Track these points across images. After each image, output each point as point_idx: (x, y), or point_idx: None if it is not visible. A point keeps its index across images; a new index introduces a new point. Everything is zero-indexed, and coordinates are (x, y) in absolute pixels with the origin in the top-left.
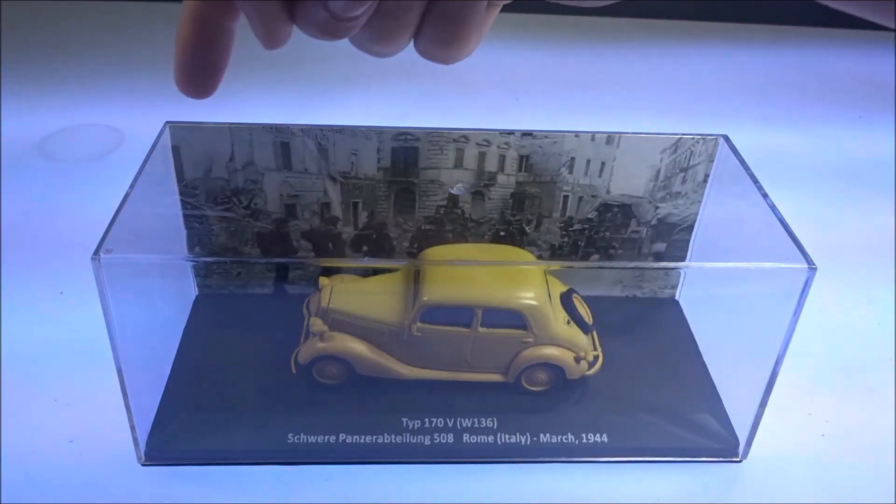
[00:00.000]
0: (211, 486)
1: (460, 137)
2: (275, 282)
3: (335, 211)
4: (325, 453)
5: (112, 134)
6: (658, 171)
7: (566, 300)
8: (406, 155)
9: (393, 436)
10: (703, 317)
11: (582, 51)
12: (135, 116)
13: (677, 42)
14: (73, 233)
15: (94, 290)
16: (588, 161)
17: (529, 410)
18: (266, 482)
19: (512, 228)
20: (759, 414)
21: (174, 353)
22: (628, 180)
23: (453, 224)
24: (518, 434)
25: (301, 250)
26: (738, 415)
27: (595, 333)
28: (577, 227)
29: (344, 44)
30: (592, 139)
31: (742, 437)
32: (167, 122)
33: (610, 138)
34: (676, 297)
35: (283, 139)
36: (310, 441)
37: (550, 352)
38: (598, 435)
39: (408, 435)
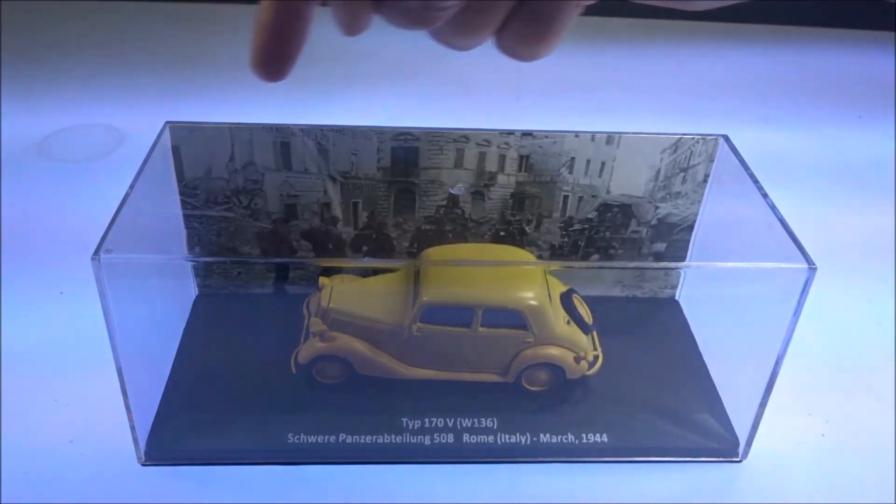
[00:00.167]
0: (211, 486)
1: (460, 137)
2: (275, 282)
3: (335, 211)
4: (325, 453)
5: (112, 134)
6: (658, 171)
7: (566, 300)
8: (406, 155)
9: (393, 436)
10: (703, 317)
11: (582, 51)
12: (135, 116)
13: (677, 42)
14: (73, 233)
15: (94, 290)
16: (588, 161)
17: (529, 410)
18: (266, 482)
19: (512, 228)
20: (759, 414)
21: (174, 353)
22: (628, 180)
23: (453, 224)
24: (518, 434)
25: (301, 250)
26: (738, 415)
27: (595, 333)
28: (577, 227)
29: (343, 43)
30: (592, 139)
31: (742, 437)
32: (167, 122)
33: (610, 138)
34: (676, 297)
35: (283, 139)
36: (310, 441)
37: (550, 352)
38: (598, 435)
39: (408, 435)
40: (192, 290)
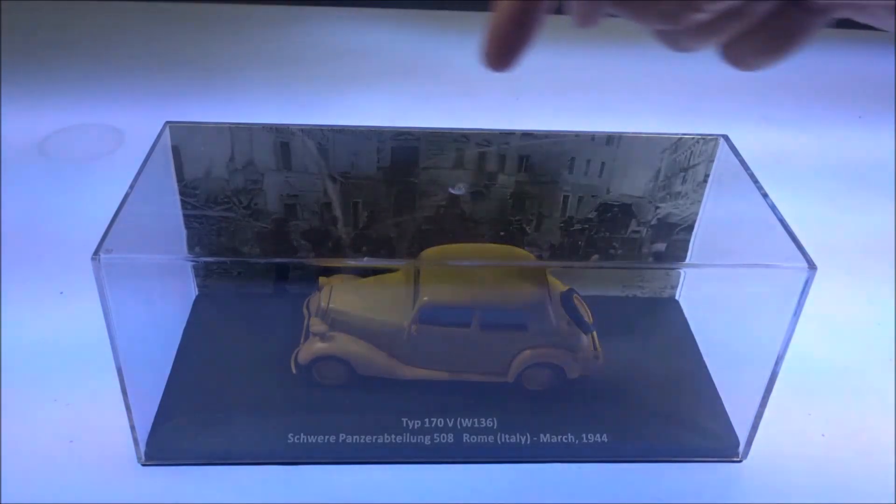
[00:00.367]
0: (211, 486)
1: (460, 137)
2: (275, 282)
3: (335, 211)
4: (325, 453)
5: (112, 134)
6: (658, 171)
7: (566, 300)
8: (406, 155)
9: (393, 436)
10: (703, 317)
11: (582, 51)
12: (135, 116)
13: None
14: (73, 233)
15: (94, 290)
16: (588, 161)
17: (529, 410)
18: (266, 482)
19: (512, 228)
20: (759, 414)
21: (174, 353)
22: (628, 180)
23: (453, 224)
24: (518, 434)
25: (301, 250)
26: (738, 415)
27: (595, 333)
28: (577, 227)
29: (342, 43)
30: (592, 139)
31: (742, 437)
32: (167, 122)
33: (610, 138)
34: (676, 297)
35: (283, 139)
36: (310, 441)
37: (550, 352)
38: (597, 435)
39: (408, 435)
40: (192, 290)
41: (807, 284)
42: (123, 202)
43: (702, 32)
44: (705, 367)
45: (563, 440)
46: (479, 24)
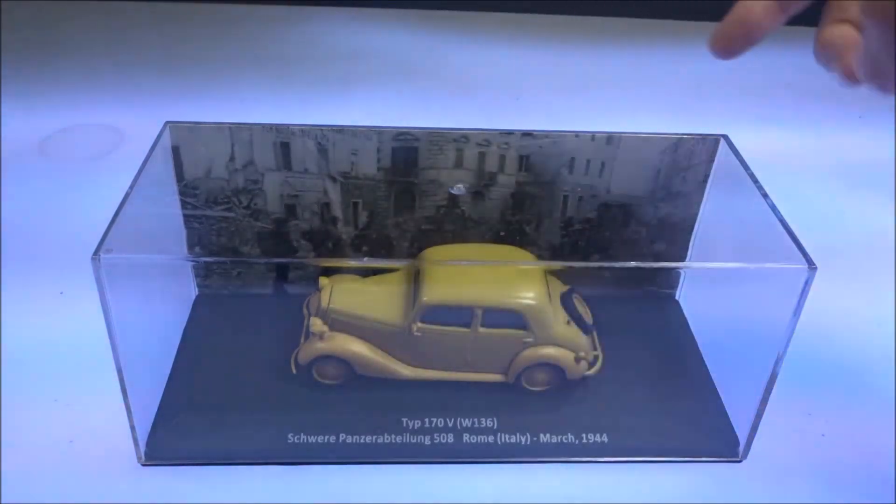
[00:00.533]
0: (211, 486)
1: (460, 137)
2: (275, 282)
3: (335, 211)
4: (325, 453)
5: (112, 134)
6: (658, 171)
7: (566, 300)
8: (406, 155)
9: (393, 436)
10: (703, 317)
11: (582, 51)
12: (135, 116)
13: (677, 42)
14: (73, 233)
15: (94, 290)
16: (588, 161)
17: (529, 410)
18: (266, 482)
19: (512, 228)
20: (759, 414)
21: (174, 353)
22: (628, 180)
23: (453, 224)
24: (518, 434)
25: (301, 250)
26: (738, 415)
27: (595, 333)
28: (577, 227)
29: (342, 43)
30: (592, 139)
31: (742, 437)
32: (167, 123)
33: (610, 138)
34: (676, 297)
35: (283, 139)
36: (310, 441)
37: (550, 352)
38: (598, 435)
39: (408, 435)
40: (192, 290)
41: (807, 284)
42: (123, 202)
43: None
44: (705, 367)
45: (563, 440)
46: (478, 25)
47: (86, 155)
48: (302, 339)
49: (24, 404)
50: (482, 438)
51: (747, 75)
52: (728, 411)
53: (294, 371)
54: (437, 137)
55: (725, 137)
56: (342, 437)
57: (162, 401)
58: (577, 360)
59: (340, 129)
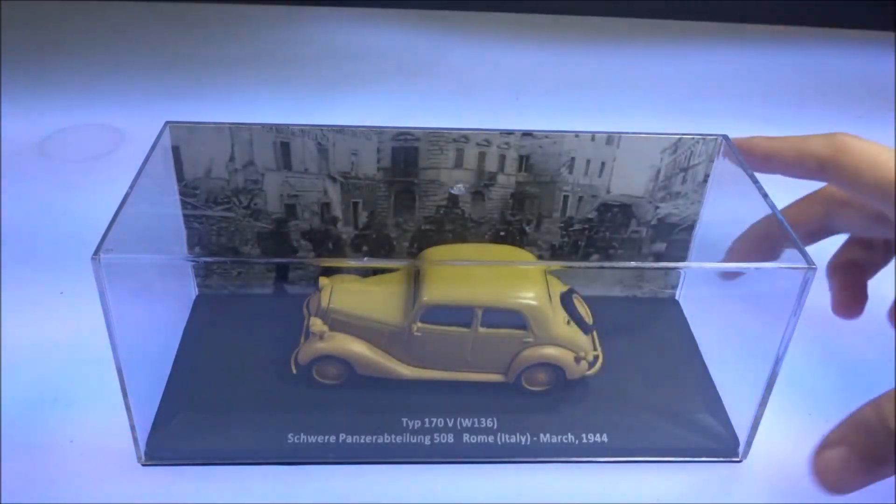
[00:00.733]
0: (211, 486)
1: (460, 137)
2: (275, 282)
3: (335, 211)
4: (325, 453)
5: (112, 134)
6: (658, 171)
7: (566, 300)
8: (406, 155)
9: (393, 436)
10: (703, 317)
11: (582, 51)
12: (135, 116)
13: (677, 42)
14: (73, 233)
15: (94, 290)
16: (588, 161)
17: (529, 410)
18: (266, 482)
19: (512, 228)
20: (759, 414)
21: (174, 353)
22: (628, 180)
23: (453, 224)
24: (518, 434)
25: (301, 250)
26: (738, 415)
27: (595, 333)
28: (577, 227)
29: (343, 43)
30: (592, 139)
31: (742, 437)
32: (167, 123)
33: (610, 138)
34: (676, 297)
35: (283, 139)
36: (310, 441)
37: (550, 352)
38: (598, 435)
39: (408, 435)
40: (192, 290)
41: (807, 284)
42: (123, 202)
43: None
44: (705, 367)
45: (563, 440)
46: (479, 25)
47: (86, 155)
48: (302, 339)
49: (24, 404)
50: (482, 438)
51: (747, 75)
52: (728, 411)
53: (294, 371)
54: (437, 137)
55: (725, 137)
56: (342, 437)
57: (162, 401)
58: (578, 360)
59: (340, 129)
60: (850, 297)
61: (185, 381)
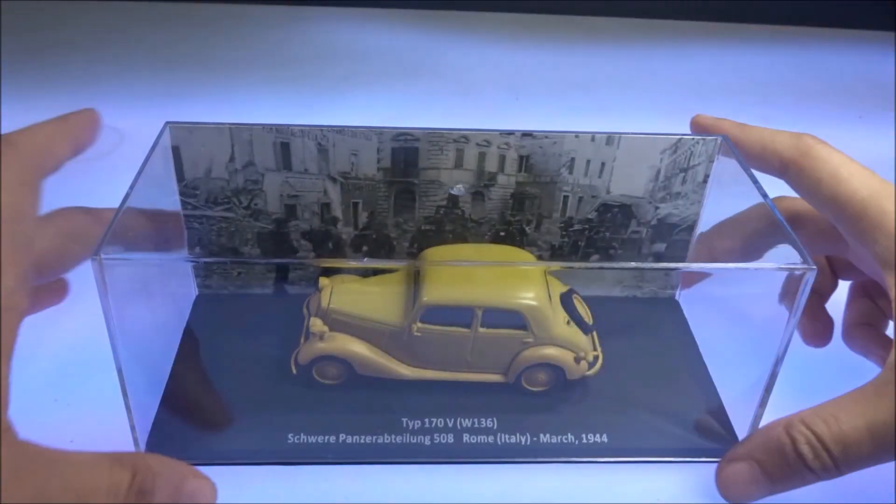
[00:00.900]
0: None
1: (460, 138)
2: (275, 282)
3: (335, 211)
4: (325, 453)
5: (112, 134)
6: (658, 172)
7: (566, 300)
8: (406, 155)
9: (393, 436)
10: (703, 317)
11: (582, 51)
12: (135, 116)
13: (677, 42)
14: None
15: (94, 290)
16: (588, 161)
17: (529, 411)
18: (266, 482)
19: (512, 229)
20: (759, 414)
21: (174, 353)
22: (628, 180)
23: (453, 224)
24: (518, 434)
25: (301, 250)
26: (738, 415)
27: (595, 333)
28: (577, 227)
29: (343, 44)
30: (592, 139)
31: (742, 438)
32: (167, 123)
33: (610, 139)
34: (676, 297)
35: (283, 139)
36: (310, 441)
37: (550, 352)
38: (598, 435)
39: (408, 435)
40: (192, 291)
41: (807, 284)
42: (123, 202)
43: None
44: (705, 367)
45: (563, 440)
46: (479, 25)
47: (85, 155)
48: (302, 340)
49: (24, 404)
50: (482, 438)
51: (747, 75)
52: (728, 411)
53: (294, 371)
54: (437, 138)
55: (725, 138)
56: (342, 437)
57: (162, 401)
58: (577, 360)
59: (340, 130)
60: (815, 324)
61: (184, 382)
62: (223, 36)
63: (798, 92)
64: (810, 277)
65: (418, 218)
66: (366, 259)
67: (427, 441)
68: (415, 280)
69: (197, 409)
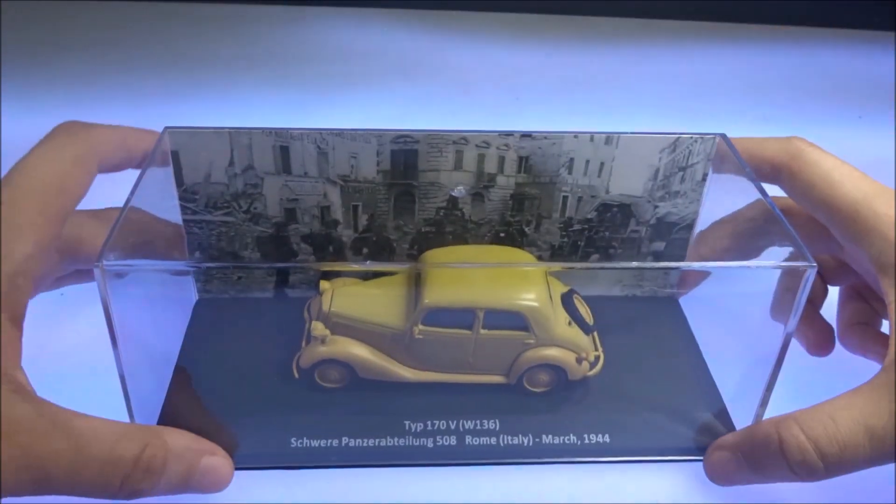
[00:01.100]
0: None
1: (460, 139)
2: (275, 286)
3: (335, 214)
4: (328, 457)
5: None
6: (657, 171)
7: (567, 301)
8: (405, 157)
9: (396, 438)
10: (703, 316)
11: (582, 51)
12: (135, 117)
13: (677, 42)
14: None
15: (94, 290)
16: (587, 161)
17: (531, 412)
18: (269, 486)
19: (512, 229)
20: (759, 414)
21: (175, 358)
22: (627, 180)
23: (453, 226)
24: (520, 435)
25: (301, 254)
26: (738, 415)
27: (596, 334)
28: (576, 227)
29: (342, 45)
30: (591, 139)
31: None
32: (166, 128)
33: (609, 138)
34: (676, 298)
35: (282, 143)
36: (313, 445)
37: (552, 353)
38: (599, 435)
39: (410, 437)
40: (192, 295)
41: (807, 284)
42: (124, 208)
43: None
44: (705, 366)
45: (566, 441)
46: (479, 25)
47: None
48: (303, 343)
49: None
50: (485, 440)
51: (746, 75)
52: (728, 411)
53: (296, 375)
54: (437, 139)
55: (724, 136)
56: (345, 440)
57: (164, 406)
58: (579, 360)
59: (340, 133)
60: (816, 333)
61: (186, 386)
62: (223, 36)
63: (798, 92)
64: (811, 275)
65: (418, 220)
66: (367, 262)
67: (430, 443)
68: (416, 282)
69: (198, 414)
